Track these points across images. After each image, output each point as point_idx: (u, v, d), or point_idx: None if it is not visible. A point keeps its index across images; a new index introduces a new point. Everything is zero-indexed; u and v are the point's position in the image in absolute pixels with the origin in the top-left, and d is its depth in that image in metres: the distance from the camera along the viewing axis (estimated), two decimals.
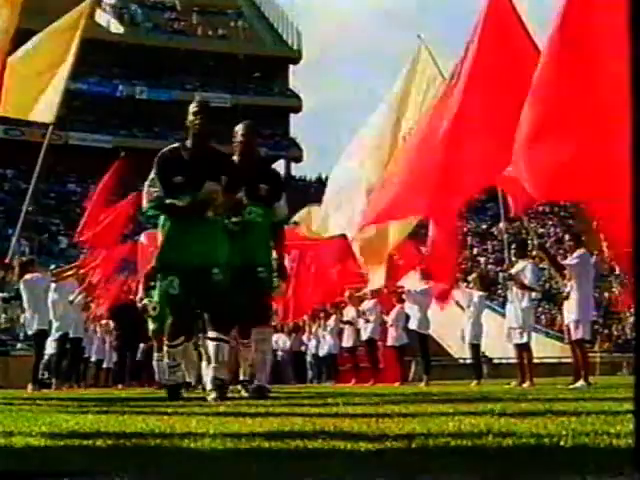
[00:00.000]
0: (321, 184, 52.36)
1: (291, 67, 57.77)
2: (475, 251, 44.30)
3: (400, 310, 15.03)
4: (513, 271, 11.46)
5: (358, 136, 11.94)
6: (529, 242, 12.47)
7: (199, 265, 6.27)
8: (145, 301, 12.03)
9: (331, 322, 19.02)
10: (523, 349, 11.52)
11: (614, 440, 2.51)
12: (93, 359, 19.63)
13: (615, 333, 36.43)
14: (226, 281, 6.33)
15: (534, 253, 12.31)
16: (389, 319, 15.33)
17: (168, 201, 6.34)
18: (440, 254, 10.95)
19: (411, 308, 14.05)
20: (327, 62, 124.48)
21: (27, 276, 12.84)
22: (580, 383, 9.96)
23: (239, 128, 7.23)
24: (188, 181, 6.30)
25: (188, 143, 6.52)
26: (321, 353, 20.18)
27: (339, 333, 18.40)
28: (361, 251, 11.48)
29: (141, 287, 12.77)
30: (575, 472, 1.96)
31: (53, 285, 13.59)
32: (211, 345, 6.44)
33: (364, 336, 16.02)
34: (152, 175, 6.41)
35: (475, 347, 13.59)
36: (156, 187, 6.36)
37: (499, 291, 33.01)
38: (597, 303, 32.75)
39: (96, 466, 2.08)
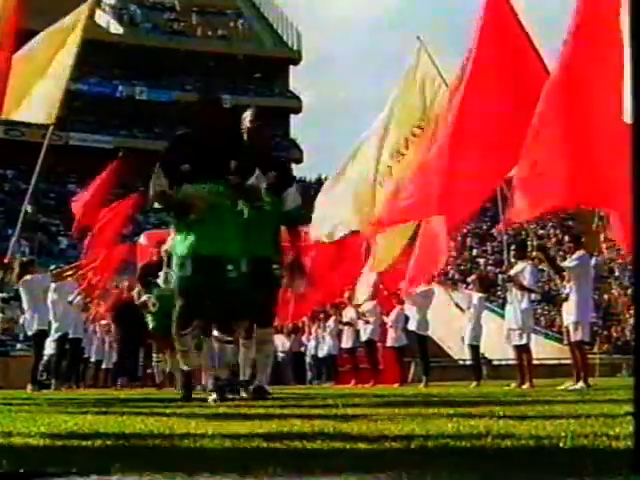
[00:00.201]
0: (321, 185, 52.32)
1: (291, 68, 57.77)
2: (474, 252, 44.30)
3: (400, 311, 15.04)
4: (512, 272, 11.46)
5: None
6: (528, 243, 12.46)
7: (213, 256, 6.05)
8: (144, 297, 12.01)
9: (331, 323, 19.03)
10: (522, 350, 11.52)
11: (613, 442, 2.51)
12: (92, 359, 19.62)
13: (614, 335, 36.42)
14: (239, 280, 6.13)
15: (533, 254, 12.30)
16: (389, 320, 15.34)
17: (165, 195, 6.09)
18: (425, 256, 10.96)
19: (410, 309, 14.06)
20: (327, 63, 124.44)
21: (27, 276, 12.84)
22: (579, 385, 9.96)
23: (247, 114, 6.99)
24: (196, 170, 6.05)
25: (197, 130, 6.35)
26: (321, 354, 20.18)
27: (338, 334, 18.41)
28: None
29: (137, 282, 12.75)
30: (574, 474, 1.96)
31: (53, 285, 13.59)
32: (215, 345, 6.30)
33: (363, 337, 16.02)
34: (157, 169, 6.19)
35: (474, 348, 13.59)
36: (159, 179, 6.14)
37: (499, 292, 33.01)
38: (596, 305, 32.83)
39: (95, 466, 2.08)
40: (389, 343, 15.42)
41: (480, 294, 13.75)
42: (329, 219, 12.31)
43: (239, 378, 7.28)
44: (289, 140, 56.46)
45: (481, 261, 43.11)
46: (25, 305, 13.32)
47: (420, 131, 11.07)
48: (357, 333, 16.55)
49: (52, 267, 14.73)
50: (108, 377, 20.12)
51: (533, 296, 12.54)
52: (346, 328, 17.28)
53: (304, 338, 21.31)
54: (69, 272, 14.44)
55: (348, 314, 16.89)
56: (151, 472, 2.00)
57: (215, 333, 6.27)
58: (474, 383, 12.92)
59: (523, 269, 11.30)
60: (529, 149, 7.54)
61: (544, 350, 25.55)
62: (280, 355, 21.33)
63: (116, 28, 53.31)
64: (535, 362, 12.77)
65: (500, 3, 9.07)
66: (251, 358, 7.16)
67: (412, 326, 14.01)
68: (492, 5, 9.07)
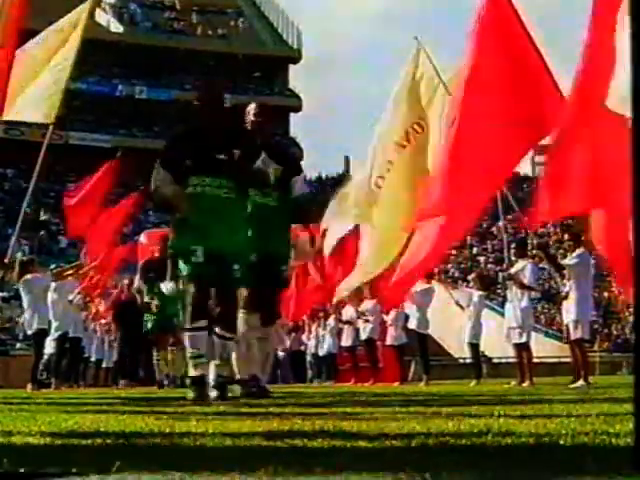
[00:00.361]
0: (321, 184, 52.37)
1: (291, 67, 57.77)
2: (475, 250, 44.31)
3: (400, 310, 15.04)
4: (512, 271, 11.47)
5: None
6: (528, 242, 12.47)
7: (221, 251, 5.84)
8: (147, 299, 12.01)
9: (331, 321, 19.04)
10: (523, 349, 11.53)
11: (613, 440, 2.51)
12: (93, 359, 19.64)
13: (615, 333, 36.44)
14: (244, 280, 5.98)
15: (534, 252, 12.31)
16: (388, 319, 15.34)
17: (163, 189, 5.89)
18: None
19: (411, 308, 14.06)
20: (327, 62, 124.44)
21: (27, 276, 12.84)
22: (579, 383, 9.96)
23: (251, 107, 6.86)
24: (198, 163, 5.89)
25: (199, 122, 6.18)
26: (321, 352, 20.19)
27: (338, 332, 18.42)
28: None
29: (138, 276, 12.76)
30: (574, 472, 1.96)
31: (53, 285, 13.59)
32: (217, 342, 6.06)
33: (363, 336, 16.03)
34: (157, 169, 6.01)
35: (474, 347, 13.60)
36: (159, 175, 5.95)
37: (499, 291, 33.02)
38: (597, 303, 32.80)
39: (95, 466, 2.08)
40: (389, 342, 15.43)
41: (480, 292, 13.75)
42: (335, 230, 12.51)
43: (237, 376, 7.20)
44: (289, 139, 56.47)
45: (481, 259, 43.14)
46: (25, 304, 13.32)
47: (419, 128, 11.07)
48: (357, 332, 16.56)
49: (52, 266, 14.74)
50: (108, 376, 20.13)
51: (533, 294, 12.55)
52: (346, 327, 17.29)
53: (304, 337, 21.32)
54: (69, 271, 14.43)
55: (348, 313, 16.90)
56: (151, 471, 2.00)
57: (217, 330, 6.04)
58: (474, 381, 12.92)
59: (523, 267, 11.30)
60: (555, 153, 7.55)
61: (544, 348, 25.57)
62: (280, 354, 21.35)
63: (116, 27, 53.32)
64: (535, 360, 12.78)
65: (501, 3, 9.06)
66: (252, 356, 7.10)
67: (412, 324, 14.02)
68: (493, 3, 9.05)
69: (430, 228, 9.37)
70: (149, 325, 12.19)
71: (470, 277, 13.80)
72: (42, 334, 13.38)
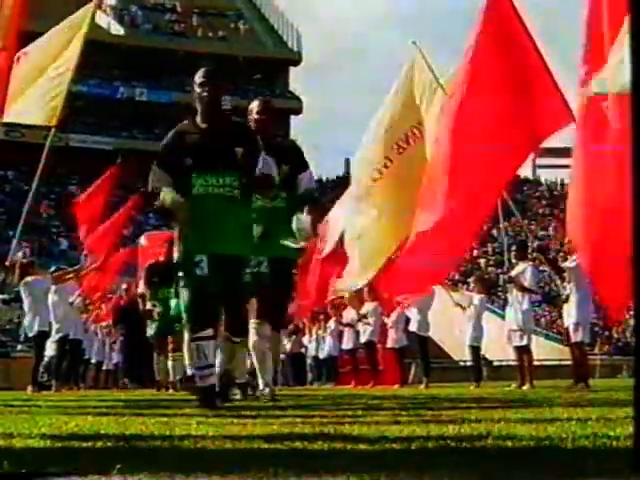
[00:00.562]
0: (321, 185, 52.40)
1: (291, 69, 57.79)
2: (475, 253, 44.30)
3: (400, 312, 15.02)
4: (513, 273, 11.46)
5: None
6: (529, 244, 12.46)
7: (227, 253, 5.55)
8: (149, 305, 11.99)
9: (331, 324, 19.03)
10: (523, 351, 11.52)
11: (614, 443, 2.51)
12: (93, 361, 19.64)
13: (615, 336, 36.42)
14: (254, 285, 5.81)
15: (534, 255, 12.30)
16: (389, 321, 15.33)
17: (162, 195, 5.56)
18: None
19: (411, 310, 14.04)
20: (327, 64, 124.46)
21: (28, 278, 12.84)
22: (580, 386, 9.95)
23: (254, 105, 6.66)
24: (199, 162, 5.59)
25: (198, 119, 5.78)
26: (321, 355, 20.18)
27: (339, 335, 18.41)
28: (360, 255, 11.51)
29: (142, 281, 12.73)
30: (575, 474, 1.96)
31: (53, 287, 13.58)
32: (227, 346, 5.86)
33: (363, 338, 16.01)
34: (153, 170, 5.72)
35: (475, 349, 13.58)
36: (156, 175, 5.67)
37: (499, 293, 33.01)
38: (597, 305, 32.76)
39: (96, 468, 2.08)
40: (389, 344, 15.41)
41: (481, 295, 13.75)
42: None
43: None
44: (290, 141, 56.42)
45: (482, 262, 43.13)
46: (26, 306, 13.32)
47: (418, 132, 11.09)
48: (357, 334, 16.55)
49: (52, 269, 14.72)
50: (109, 378, 20.13)
51: (534, 297, 12.54)
52: (346, 329, 17.27)
53: (304, 339, 21.31)
54: (69, 275, 14.43)
55: (348, 315, 16.89)
56: (152, 473, 2.00)
57: (227, 334, 5.79)
58: (474, 384, 12.91)
59: (524, 270, 11.30)
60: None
61: (544, 351, 25.56)
62: (280, 356, 21.34)
63: (117, 29, 53.32)
64: (535, 363, 12.77)
65: (503, 3, 9.05)
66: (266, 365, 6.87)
67: (413, 327, 14.00)
68: (494, 5, 9.05)
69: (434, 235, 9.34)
70: (151, 331, 12.18)
71: (470, 280, 13.77)
72: (43, 336, 13.38)
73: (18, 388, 15.51)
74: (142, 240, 19.17)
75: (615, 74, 6.07)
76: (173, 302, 10.71)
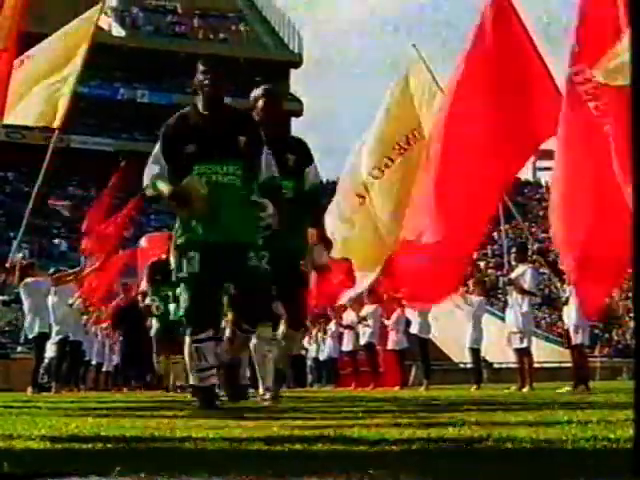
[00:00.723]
0: (322, 187, 52.31)
1: (292, 71, 57.80)
2: (475, 255, 44.29)
3: (400, 314, 15.03)
4: (513, 276, 11.46)
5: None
6: (529, 247, 12.46)
7: (225, 240, 5.32)
8: (148, 300, 11.96)
9: (331, 326, 19.02)
10: (523, 354, 11.51)
11: (614, 445, 2.51)
12: (93, 362, 19.64)
13: (615, 338, 36.41)
14: (263, 271, 5.39)
15: (534, 258, 12.30)
16: (389, 323, 15.34)
17: (160, 184, 5.34)
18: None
19: (412, 312, 14.04)
20: (328, 66, 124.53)
21: (28, 279, 12.84)
22: (580, 388, 9.95)
23: (258, 93, 6.46)
24: (202, 150, 5.35)
25: (200, 106, 5.55)
26: (321, 357, 20.17)
27: (339, 337, 18.40)
28: (354, 254, 11.52)
29: (145, 280, 12.71)
30: (575, 477, 1.96)
31: (53, 288, 13.58)
32: (241, 337, 5.55)
33: (362, 340, 16.01)
34: (156, 149, 5.50)
35: (475, 351, 13.58)
36: (157, 164, 5.42)
37: (499, 296, 33.01)
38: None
39: (96, 469, 2.08)
40: (390, 346, 15.41)
41: (480, 297, 13.74)
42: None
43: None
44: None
45: (482, 264, 43.11)
46: (26, 308, 13.32)
47: (418, 134, 11.12)
48: (357, 336, 16.55)
49: (51, 270, 14.71)
50: (109, 380, 20.13)
51: (534, 299, 12.53)
52: (346, 331, 17.26)
53: (305, 341, 21.29)
54: (69, 277, 14.42)
55: (349, 317, 16.88)
56: (152, 475, 2.00)
57: (242, 325, 5.50)
58: (475, 386, 12.91)
59: (524, 272, 11.29)
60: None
61: (544, 353, 25.55)
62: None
63: (118, 31, 53.35)
64: (535, 365, 12.76)
65: (503, 7, 9.05)
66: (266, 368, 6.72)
67: (414, 329, 13.98)
68: (495, 9, 9.05)
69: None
70: (155, 328, 12.15)
71: (470, 282, 13.76)
72: (43, 338, 13.38)
73: (18, 389, 15.51)
74: (142, 242, 19.17)
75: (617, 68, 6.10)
76: (172, 306, 10.72)
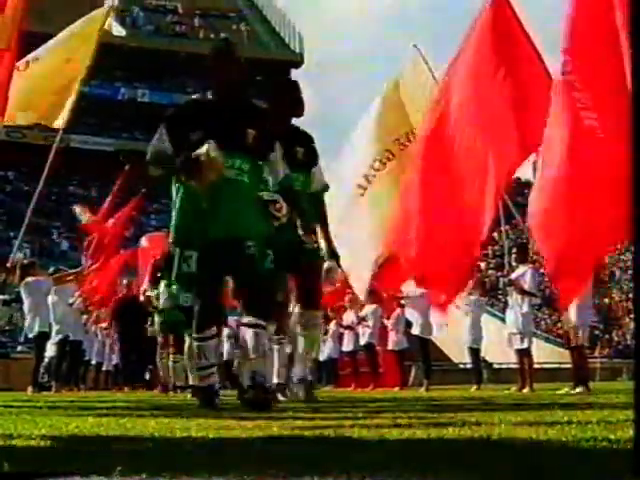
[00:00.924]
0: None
1: (293, 71, 57.79)
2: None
3: (400, 314, 15.02)
4: (513, 276, 11.46)
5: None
6: (529, 247, 12.46)
7: (227, 236, 5.10)
8: (149, 293, 11.93)
9: (332, 326, 19.02)
10: (524, 354, 11.51)
11: (614, 446, 2.51)
12: (93, 362, 19.65)
13: (615, 339, 36.41)
14: (262, 259, 5.17)
15: (534, 258, 12.30)
16: (389, 323, 15.33)
17: (166, 159, 5.16)
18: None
19: (412, 313, 14.03)
20: (329, 66, 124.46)
21: (29, 279, 12.84)
22: (580, 389, 9.95)
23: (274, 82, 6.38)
24: (208, 138, 5.08)
25: (209, 93, 5.37)
26: (321, 357, 20.14)
27: (339, 337, 18.39)
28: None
29: (147, 279, 12.70)
30: (575, 477, 1.96)
31: (53, 288, 13.59)
32: (248, 333, 5.18)
33: (362, 341, 16.02)
34: (161, 131, 5.25)
35: (475, 351, 13.58)
36: (162, 143, 5.19)
37: (500, 296, 33.00)
38: (597, 309, 32.74)
39: (96, 469, 2.08)
40: (390, 346, 15.41)
41: (480, 297, 13.75)
42: None
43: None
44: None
45: (482, 265, 43.11)
46: (26, 307, 13.33)
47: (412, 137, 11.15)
48: (357, 336, 16.55)
49: (51, 269, 14.71)
50: (109, 379, 20.13)
51: (534, 300, 12.53)
52: (346, 332, 17.26)
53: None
54: (70, 277, 14.43)
55: (348, 318, 16.88)
56: (152, 474, 2.00)
57: (245, 319, 5.21)
58: (475, 387, 12.91)
59: (524, 273, 11.29)
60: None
61: (544, 354, 25.54)
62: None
63: (118, 30, 53.32)
64: (536, 366, 12.76)
65: (502, 6, 9.05)
66: (286, 355, 6.63)
67: (416, 330, 13.96)
68: (493, 6, 9.04)
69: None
70: (156, 325, 12.12)
71: (470, 282, 13.76)
72: (43, 337, 13.39)
73: (18, 389, 15.51)
74: (143, 241, 19.17)
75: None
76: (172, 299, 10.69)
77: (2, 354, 27.59)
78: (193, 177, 5.03)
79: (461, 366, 26.02)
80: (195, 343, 5.27)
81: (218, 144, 5.05)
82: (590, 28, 6.75)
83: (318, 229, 6.44)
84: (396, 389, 14.24)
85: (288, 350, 6.64)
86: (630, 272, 31.37)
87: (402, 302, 14.46)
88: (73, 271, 15.09)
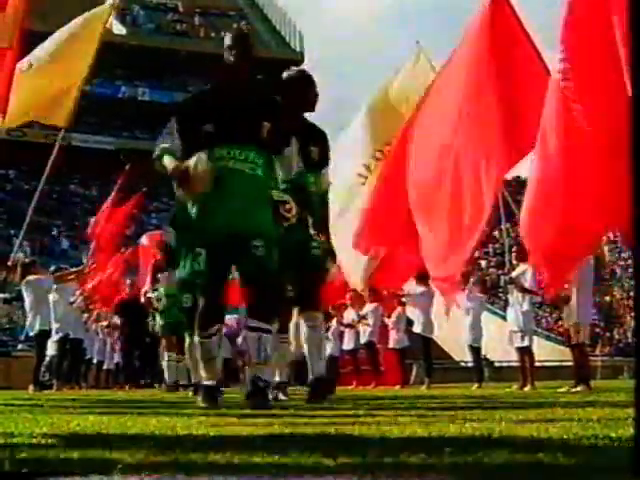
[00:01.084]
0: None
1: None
2: (476, 254, 44.27)
3: (400, 313, 15.02)
4: (514, 274, 11.46)
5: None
6: None
7: (234, 233, 4.96)
8: (149, 294, 11.92)
9: (333, 324, 19.01)
10: (525, 352, 11.52)
11: (615, 444, 2.51)
12: (94, 360, 19.66)
13: (616, 337, 36.40)
14: (271, 259, 5.04)
15: None
16: (390, 322, 15.33)
17: (166, 158, 5.01)
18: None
19: (414, 312, 14.03)
20: (330, 64, 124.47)
21: (30, 277, 12.86)
22: (581, 387, 9.94)
23: (290, 73, 6.33)
24: (222, 131, 4.96)
25: (223, 84, 5.27)
26: None
27: (340, 335, 18.39)
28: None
29: (148, 279, 12.71)
30: (576, 476, 1.96)
31: (54, 286, 13.60)
32: (250, 337, 5.09)
33: (363, 339, 16.01)
34: (171, 122, 5.19)
35: (475, 350, 13.58)
36: (170, 137, 5.11)
37: (500, 294, 33.00)
38: (598, 307, 32.74)
39: (97, 468, 2.08)
40: (391, 345, 15.41)
41: (480, 295, 13.75)
42: None
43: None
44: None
45: (483, 263, 43.11)
46: (27, 306, 13.34)
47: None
48: (358, 335, 16.54)
49: (52, 268, 14.72)
50: (110, 378, 20.15)
51: (535, 298, 12.53)
52: (347, 330, 17.26)
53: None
54: (71, 276, 14.44)
55: (349, 316, 16.88)
56: (153, 473, 2.00)
57: (250, 323, 5.11)
58: (476, 385, 12.91)
59: (524, 271, 11.29)
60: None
61: (545, 352, 25.54)
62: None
63: (119, 29, 53.32)
64: (537, 364, 12.76)
65: (501, 5, 9.03)
66: (288, 354, 6.64)
67: (418, 329, 13.95)
68: (493, 6, 9.03)
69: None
70: (157, 326, 12.12)
71: (471, 280, 13.76)
72: (44, 335, 13.40)
73: (19, 387, 15.52)
74: (144, 239, 19.18)
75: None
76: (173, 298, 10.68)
77: (3, 352, 27.60)
78: (181, 186, 4.96)
79: (462, 364, 26.02)
80: (198, 340, 5.21)
81: (231, 135, 4.95)
82: (587, 31, 6.74)
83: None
84: (397, 387, 14.24)
85: (291, 349, 6.68)
86: (631, 270, 31.37)
87: (403, 300, 14.47)
88: (74, 270, 15.09)
